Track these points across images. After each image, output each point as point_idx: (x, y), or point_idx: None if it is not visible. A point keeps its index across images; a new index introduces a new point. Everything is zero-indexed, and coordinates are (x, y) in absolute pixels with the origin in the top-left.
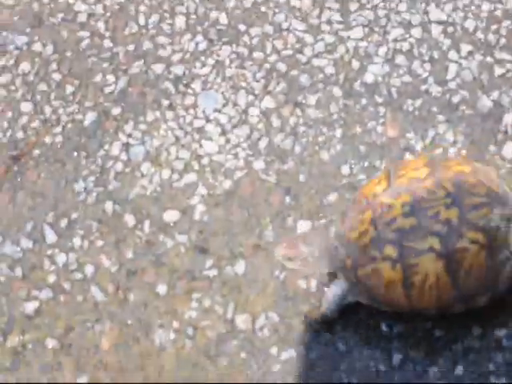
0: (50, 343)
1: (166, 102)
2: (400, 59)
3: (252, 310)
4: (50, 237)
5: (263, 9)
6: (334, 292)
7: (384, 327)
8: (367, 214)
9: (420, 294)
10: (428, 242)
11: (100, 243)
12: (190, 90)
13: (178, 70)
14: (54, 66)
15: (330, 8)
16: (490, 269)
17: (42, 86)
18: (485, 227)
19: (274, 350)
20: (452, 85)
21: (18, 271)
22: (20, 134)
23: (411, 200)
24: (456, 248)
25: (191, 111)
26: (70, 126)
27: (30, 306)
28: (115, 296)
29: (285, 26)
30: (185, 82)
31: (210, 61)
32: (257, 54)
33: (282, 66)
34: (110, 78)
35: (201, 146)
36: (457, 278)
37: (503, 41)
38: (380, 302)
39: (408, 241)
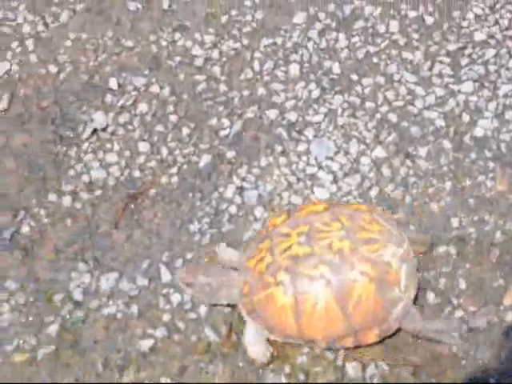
0: (165, 381)
1: (279, 148)
2: (510, 115)
3: (362, 358)
4: (166, 276)
5: (375, 60)
6: (249, 334)
7: None
8: (266, 242)
9: (309, 321)
10: (319, 269)
11: None
12: (302, 137)
13: (291, 116)
14: (170, 107)
15: (441, 61)
16: (379, 303)
17: (159, 127)
18: (376, 261)
19: None
20: None
21: (134, 308)
22: (137, 173)
23: (307, 230)
24: (346, 278)
25: (304, 158)
26: (185, 167)
27: (146, 344)
28: (228, 337)
29: (396, 77)
30: (298, 128)
31: (323, 109)
32: (368, 104)
33: (393, 117)
34: (225, 121)
35: (313, 192)
36: (346, 308)
37: None
38: (275, 330)
39: (302, 268)
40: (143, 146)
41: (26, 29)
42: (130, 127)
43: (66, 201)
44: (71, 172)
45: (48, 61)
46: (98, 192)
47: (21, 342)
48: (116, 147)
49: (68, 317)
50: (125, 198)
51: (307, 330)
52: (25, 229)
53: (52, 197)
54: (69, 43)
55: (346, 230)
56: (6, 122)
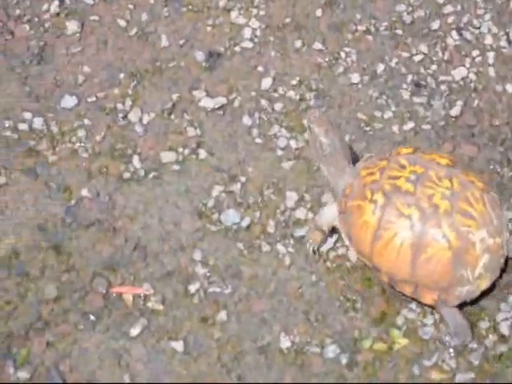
0: None
1: None
2: None
3: None
4: None
5: None
6: (326, 210)
7: None
8: (383, 162)
9: (382, 249)
10: (411, 211)
11: None
12: None
13: None
14: None
15: None
16: (447, 273)
17: None
18: (463, 234)
19: None
20: None
21: None
22: None
23: (420, 172)
24: (428, 231)
25: None
26: None
27: None
28: None
29: None
30: None
31: None
32: None
33: None
34: None
35: None
36: (416, 257)
37: None
38: (352, 241)
39: (397, 200)
40: None
41: (489, 40)
42: None
43: None
44: None
45: (506, 79)
46: None
47: (440, 360)
48: None
49: (491, 348)
50: None
51: (377, 257)
52: None
53: None
54: None
55: (452, 193)
56: (456, 129)
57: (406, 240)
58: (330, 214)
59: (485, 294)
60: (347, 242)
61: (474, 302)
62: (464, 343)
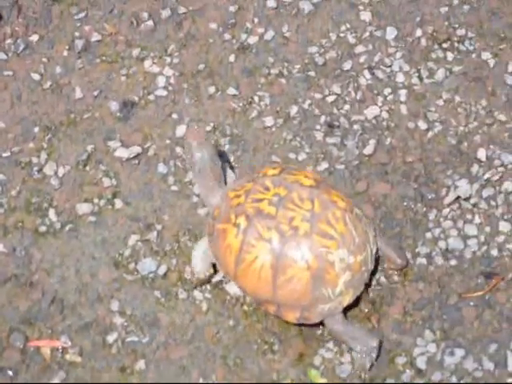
0: None
1: None
2: None
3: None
4: None
5: None
6: (198, 249)
7: None
8: (250, 184)
9: (245, 271)
10: (271, 233)
11: None
12: None
13: None
14: None
15: None
16: (307, 293)
17: None
18: (321, 255)
19: None
20: None
21: None
22: (495, 252)
23: (283, 195)
24: (287, 254)
25: None
26: None
27: None
28: None
29: None
30: None
31: None
32: None
33: None
34: None
35: None
36: (277, 278)
37: None
38: (218, 262)
39: (258, 223)
40: (504, 226)
41: (400, 78)
42: (492, 203)
43: (421, 263)
44: (428, 235)
45: (418, 115)
46: (453, 261)
47: None
48: (477, 220)
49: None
50: (479, 274)
51: (241, 278)
52: (373, 282)
53: (407, 256)
54: (441, 102)
55: (312, 215)
56: (370, 167)
57: (266, 262)
58: (204, 249)
59: (405, 330)
60: (215, 262)
61: (391, 337)
62: (372, 349)
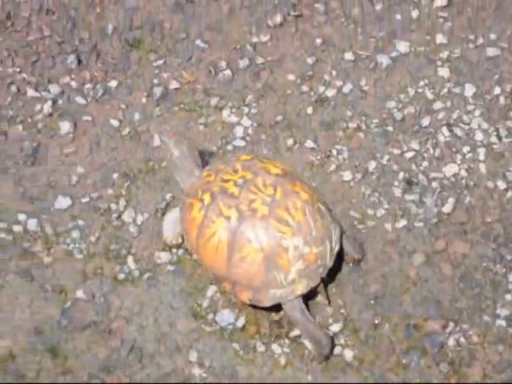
0: None
1: None
2: None
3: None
4: None
5: None
6: (169, 216)
7: None
8: (222, 167)
9: (204, 246)
10: (230, 212)
11: None
12: None
13: None
14: None
15: None
16: (260, 274)
17: None
18: (275, 239)
19: None
20: None
21: None
22: None
23: (249, 178)
24: (243, 232)
25: None
26: None
27: None
28: None
29: None
30: None
31: None
32: None
33: None
34: None
35: None
36: (232, 255)
37: None
38: (184, 234)
39: (220, 201)
40: None
41: (479, 136)
42: None
43: (500, 324)
44: (508, 296)
45: (497, 175)
46: None
47: None
48: None
49: None
50: None
51: (200, 251)
52: (452, 342)
53: (486, 317)
54: None
55: (272, 200)
56: (449, 226)
57: (224, 239)
58: (176, 218)
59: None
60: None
61: None
62: (323, 347)
